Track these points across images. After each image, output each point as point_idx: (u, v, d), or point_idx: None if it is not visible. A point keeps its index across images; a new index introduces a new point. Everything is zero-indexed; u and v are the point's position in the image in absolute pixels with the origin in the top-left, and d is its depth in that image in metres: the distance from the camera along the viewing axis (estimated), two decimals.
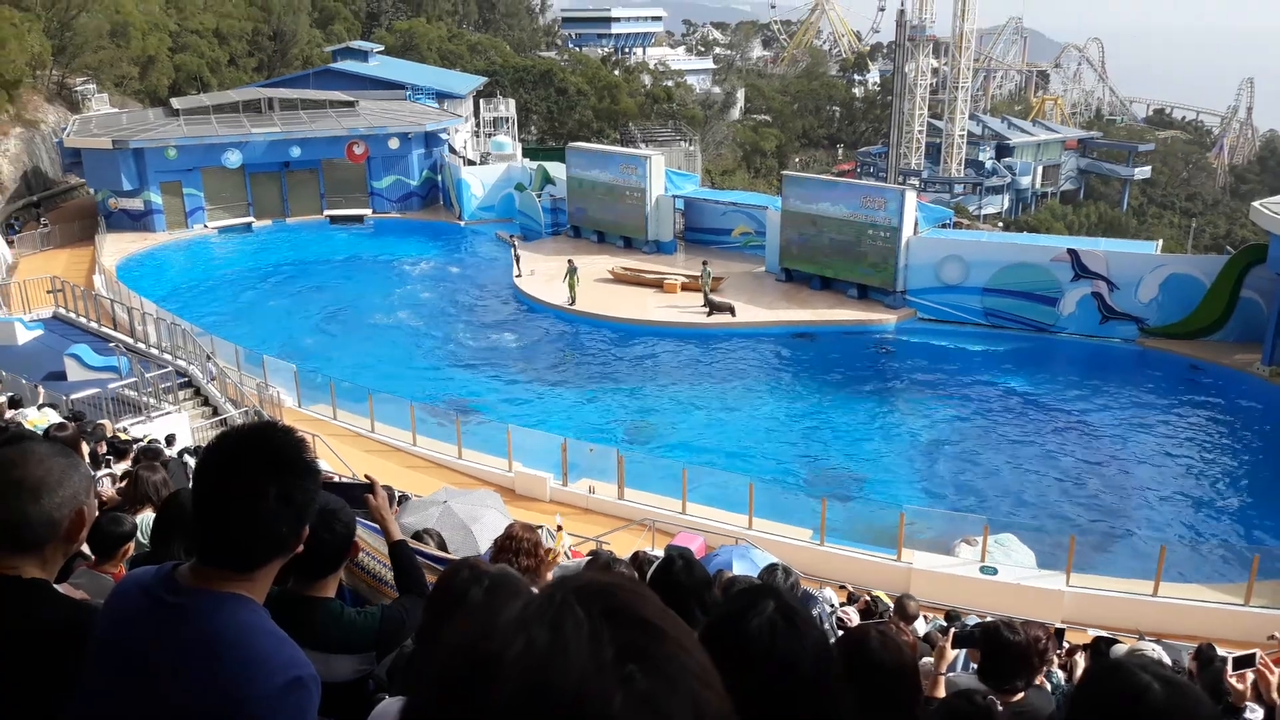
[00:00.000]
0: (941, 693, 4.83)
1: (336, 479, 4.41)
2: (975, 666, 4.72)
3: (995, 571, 15.27)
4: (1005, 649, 4.39)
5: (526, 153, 49.70)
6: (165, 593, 1.98)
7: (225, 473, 2.02)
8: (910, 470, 22.33)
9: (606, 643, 0.81)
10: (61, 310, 27.49)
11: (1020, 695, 4.44)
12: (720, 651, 1.86)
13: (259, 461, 2.02)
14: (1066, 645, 8.49)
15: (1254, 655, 4.72)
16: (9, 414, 12.65)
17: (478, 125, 56.64)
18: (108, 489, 8.92)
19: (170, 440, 15.65)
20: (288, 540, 2.06)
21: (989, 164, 79.25)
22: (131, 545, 4.92)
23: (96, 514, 2.80)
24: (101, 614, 2.12)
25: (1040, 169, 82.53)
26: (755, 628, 1.85)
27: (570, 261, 31.81)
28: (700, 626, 2.02)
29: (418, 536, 5.00)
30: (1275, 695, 4.32)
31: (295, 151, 42.03)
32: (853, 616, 8.37)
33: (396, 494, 11.33)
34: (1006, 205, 79.67)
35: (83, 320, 26.93)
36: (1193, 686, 1.80)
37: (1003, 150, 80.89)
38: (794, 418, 24.84)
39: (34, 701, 2.12)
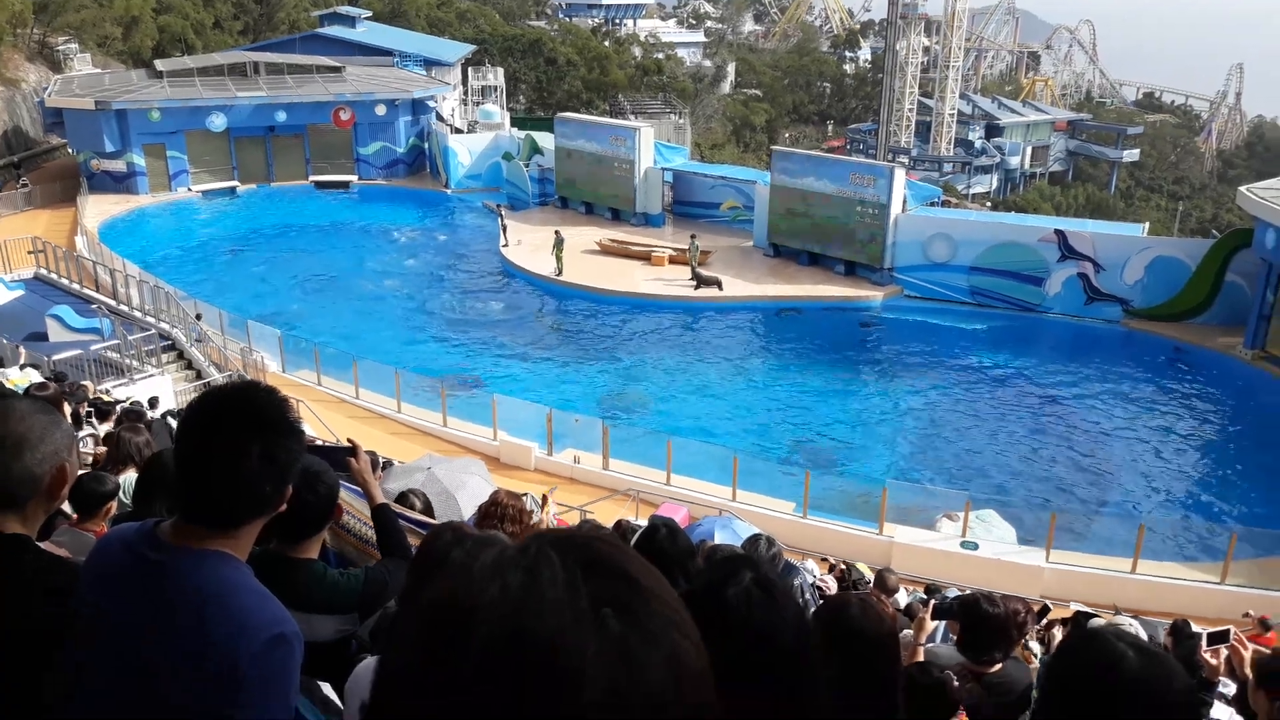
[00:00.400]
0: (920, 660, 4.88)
1: (319, 443, 4.40)
2: (955, 638, 4.77)
3: (976, 546, 15.41)
4: (984, 621, 4.44)
5: (515, 122, 49.37)
6: (147, 549, 1.97)
7: (208, 431, 2.01)
8: (893, 445, 22.47)
9: (583, 591, 0.81)
10: (43, 271, 27.27)
11: (998, 666, 4.50)
12: (698, 620, 1.86)
13: (242, 420, 2.00)
14: (1045, 621, 8.59)
15: (1228, 631, 4.78)
16: None
17: (466, 93, 56.16)
18: (90, 449, 8.88)
19: (154, 403, 15.58)
20: (271, 499, 2.05)
21: (978, 143, 79.21)
22: (114, 504, 4.91)
23: (79, 472, 2.78)
24: (84, 570, 2.11)
25: (1029, 149, 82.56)
26: (732, 597, 1.85)
27: (557, 233, 31.69)
28: (679, 595, 2.02)
29: (403, 497, 5.00)
30: (1248, 670, 4.39)
31: (281, 116, 41.63)
32: (831, 585, 8.44)
33: (380, 460, 11.32)
34: (995, 185, 79.75)
35: (64, 281, 26.73)
36: (1168, 656, 1.83)
37: (992, 130, 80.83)
38: (779, 392, 24.92)
39: (18, 657, 2.11)
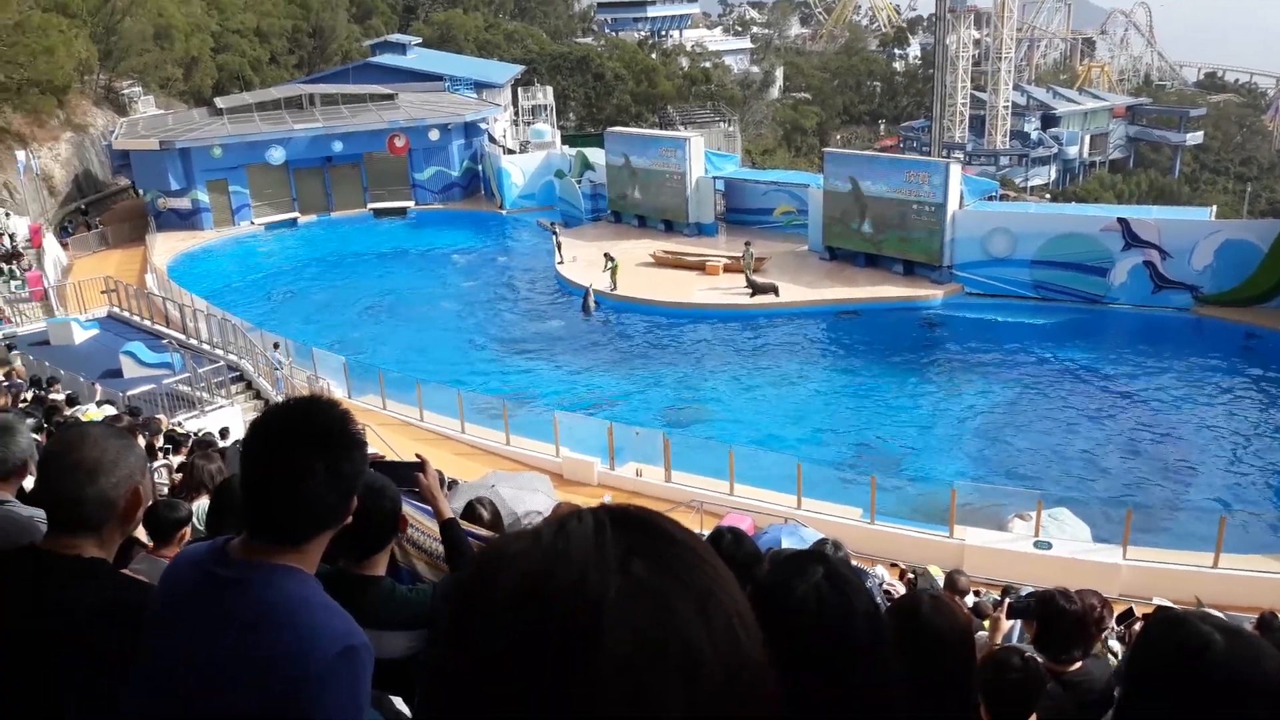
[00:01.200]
0: None
1: (388, 459, 4.44)
2: (1029, 638, 4.65)
3: (1050, 546, 15.06)
4: (1061, 617, 4.31)
5: (565, 139, 49.73)
6: (217, 567, 2.00)
7: (272, 447, 2.03)
8: (961, 446, 22.09)
9: (610, 540, 0.80)
10: (115, 309, 28.09)
11: (1078, 665, 4.37)
12: (766, 619, 1.82)
13: (305, 435, 2.02)
14: (1128, 618, 8.36)
15: None
16: (68, 411, 12.96)
17: (516, 114, 56.74)
18: (164, 479, 9.12)
19: (224, 433, 15.94)
20: (336, 512, 2.07)
21: (1035, 134, 77.83)
22: (188, 530, 5.01)
23: (152, 497, 2.85)
24: (156, 590, 2.15)
25: (1088, 138, 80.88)
26: (802, 594, 1.81)
27: (606, 255, 31.66)
28: (746, 595, 1.99)
29: (469, 508, 5.02)
30: None
31: (337, 146, 42.41)
32: (899, 589, 8.31)
33: (446, 479, 11.42)
34: (1054, 176, 78.26)
35: (136, 318, 27.50)
36: (1257, 638, 1.75)
37: (1049, 120, 79.38)
38: (841, 396, 24.67)
39: (94, 679, 2.16)
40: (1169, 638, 1.79)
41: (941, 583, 9.17)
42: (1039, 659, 3.79)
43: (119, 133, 42.24)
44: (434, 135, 43.44)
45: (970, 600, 8.73)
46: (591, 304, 30.76)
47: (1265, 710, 1.68)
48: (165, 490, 8.56)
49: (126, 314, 27.81)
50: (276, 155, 41.29)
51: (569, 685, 0.73)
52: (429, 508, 3.79)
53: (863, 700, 1.78)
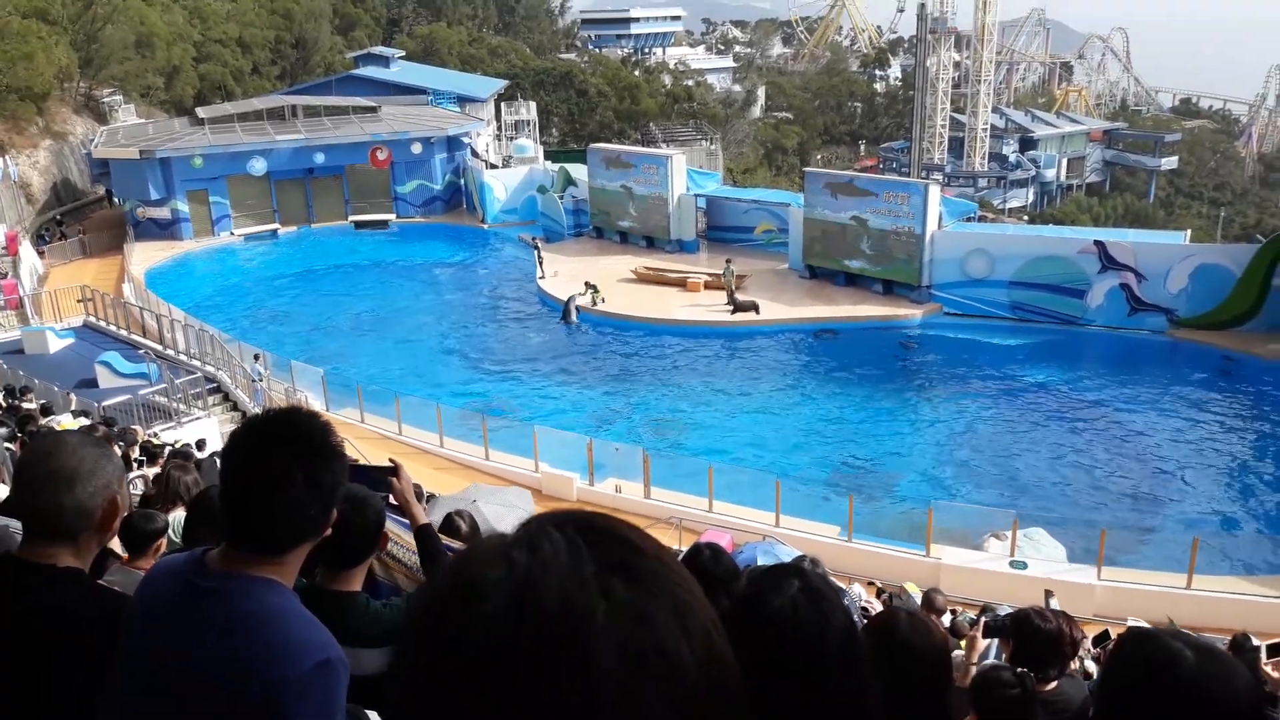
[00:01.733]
0: None
1: (361, 463, 4.40)
2: (1005, 656, 4.68)
3: (1025, 566, 15.14)
4: (1037, 636, 4.35)
5: (548, 155, 49.79)
6: (195, 577, 1.99)
7: (252, 458, 2.03)
8: (938, 465, 22.19)
9: (586, 559, 0.81)
10: (92, 319, 27.86)
11: (1053, 685, 4.39)
12: (742, 632, 1.83)
13: (285, 446, 2.02)
14: (1104, 640, 8.40)
15: None
16: (42, 421, 12.83)
17: (499, 128, 56.79)
18: (140, 490, 9.02)
19: (201, 445, 15.79)
20: (316, 523, 2.06)
21: (1013, 157, 78.59)
22: (164, 542, 4.97)
23: (129, 507, 2.83)
24: (133, 600, 2.14)
25: (1065, 161, 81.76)
26: (778, 607, 1.82)
27: (588, 284, 31.64)
28: (722, 609, 1.99)
29: (448, 520, 5.00)
30: None
31: (319, 158, 42.30)
32: (877, 607, 8.33)
33: (425, 493, 11.37)
34: (1031, 198, 79.03)
35: (113, 328, 27.28)
36: (1228, 655, 1.77)
37: (1027, 143, 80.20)
38: (820, 415, 24.75)
39: (70, 689, 2.14)
40: (1138, 653, 1.81)
41: (919, 601, 9.20)
42: (1025, 682, 3.80)
43: (99, 141, 41.98)
44: (416, 148, 43.41)
45: (947, 619, 8.76)
46: (573, 312, 30.79)
47: None
48: (139, 501, 8.48)
49: (103, 323, 27.59)
50: (258, 166, 41.13)
51: (563, 709, 0.74)
52: (407, 521, 3.77)
53: (837, 712, 1.79)
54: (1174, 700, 1.70)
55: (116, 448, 8.47)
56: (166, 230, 40.42)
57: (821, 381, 26.75)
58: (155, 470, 10.05)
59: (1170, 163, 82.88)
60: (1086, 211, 72.77)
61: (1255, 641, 6.44)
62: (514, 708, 0.74)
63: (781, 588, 1.84)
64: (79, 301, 28.40)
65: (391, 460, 3.88)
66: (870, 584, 13.33)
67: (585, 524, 0.86)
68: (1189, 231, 33.42)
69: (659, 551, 0.86)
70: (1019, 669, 3.70)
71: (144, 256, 37.70)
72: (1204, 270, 27.08)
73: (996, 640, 5.24)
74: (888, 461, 22.38)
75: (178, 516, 5.84)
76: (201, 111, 45.44)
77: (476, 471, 20.06)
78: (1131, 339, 27.67)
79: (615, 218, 38.18)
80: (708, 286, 32.00)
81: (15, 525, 2.66)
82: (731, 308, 29.95)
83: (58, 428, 10.76)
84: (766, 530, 16.45)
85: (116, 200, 43.36)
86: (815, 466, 21.97)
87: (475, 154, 46.47)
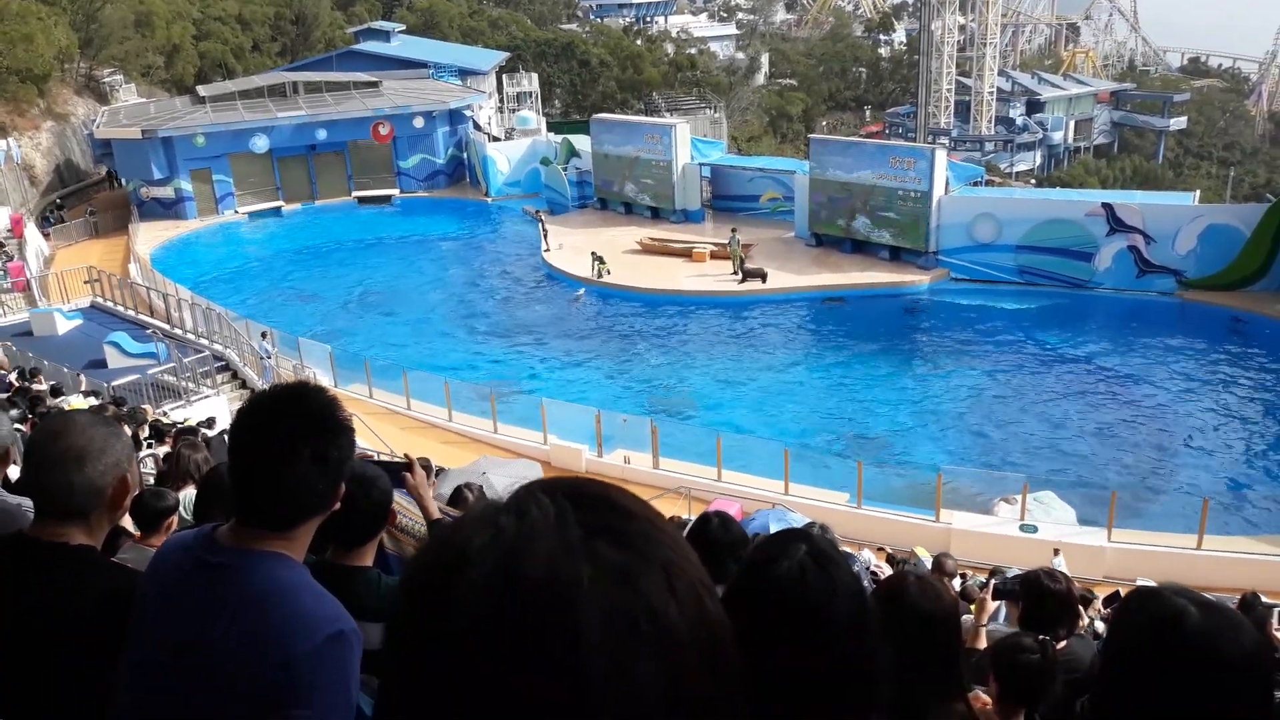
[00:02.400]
0: (983, 644, 4.81)
1: (375, 457, 4.42)
2: (1016, 619, 4.70)
3: (1035, 529, 15.18)
4: (1047, 597, 4.36)
5: (551, 126, 49.56)
6: (206, 553, 2.01)
7: (260, 433, 2.03)
8: (948, 430, 22.21)
9: (573, 523, 0.80)
10: (99, 299, 27.93)
11: (1063, 644, 4.41)
12: (750, 597, 1.84)
13: (293, 420, 2.03)
14: (1115, 602, 8.43)
15: None
16: (51, 402, 12.89)
17: (501, 101, 56.52)
18: (150, 469, 9.08)
19: (210, 423, 15.87)
20: (325, 498, 2.07)
21: (1020, 120, 77.91)
22: (175, 519, 5.01)
23: (139, 484, 2.85)
24: (145, 576, 2.15)
25: (1072, 124, 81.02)
26: (785, 570, 1.82)
27: (593, 254, 31.59)
28: (731, 575, 2.00)
29: (458, 492, 5.02)
30: None
31: (321, 134, 42.16)
32: (886, 572, 8.37)
33: (434, 467, 11.43)
34: (1039, 162, 78.37)
35: (120, 308, 27.35)
36: (1233, 611, 1.76)
37: (1033, 106, 79.45)
38: (828, 382, 24.75)
39: (84, 666, 2.16)
40: (1143, 610, 1.81)
41: (929, 565, 9.24)
42: (1047, 645, 3.81)
43: (100, 121, 41.88)
44: (419, 123, 43.22)
45: (957, 583, 8.80)
46: (583, 290, 30.81)
47: (1243, 684, 1.69)
48: (151, 480, 8.54)
49: (110, 304, 27.65)
50: (260, 143, 41.02)
51: (552, 676, 0.74)
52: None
53: (845, 677, 1.79)
54: (1179, 656, 1.69)
55: (126, 427, 8.52)
56: (170, 210, 40.40)
57: (830, 349, 26.73)
58: (165, 449, 10.11)
59: (1179, 123, 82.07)
60: (1094, 174, 72.15)
61: (1265, 600, 6.46)
62: (501, 673, 0.74)
63: (789, 552, 1.84)
64: (86, 283, 28.46)
65: (405, 456, 3.91)
66: (880, 549, 13.39)
67: (574, 490, 0.85)
68: (1198, 192, 33.17)
69: (648, 515, 0.86)
70: (1039, 636, 3.71)
71: (149, 236, 37.72)
72: (1213, 231, 26.91)
73: (1005, 603, 5.26)
74: (897, 428, 22.40)
75: (188, 494, 5.89)
76: (203, 90, 45.27)
77: (485, 445, 20.13)
78: (1140, 301, 27.56)
79: (619, 188, 38.03)
80: (714, 256, 31.91)
81: (27, 504, 2.68)
82: (740, 276, 29.88)
83: (67, 408, 10.81)
84: (776, 498, 16.50)
85: (120, 181, 43.31)
86: (824, 434, 21.99)
87: (478, 127, 46.26)
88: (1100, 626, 6.90)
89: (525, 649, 0.74)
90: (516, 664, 0.74)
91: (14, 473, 4.02)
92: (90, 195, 44.17)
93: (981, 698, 3.34)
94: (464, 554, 0.80)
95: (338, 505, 2.16)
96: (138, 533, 4.91)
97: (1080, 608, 4.76)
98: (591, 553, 0.78)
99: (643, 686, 0.75)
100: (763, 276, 29.68)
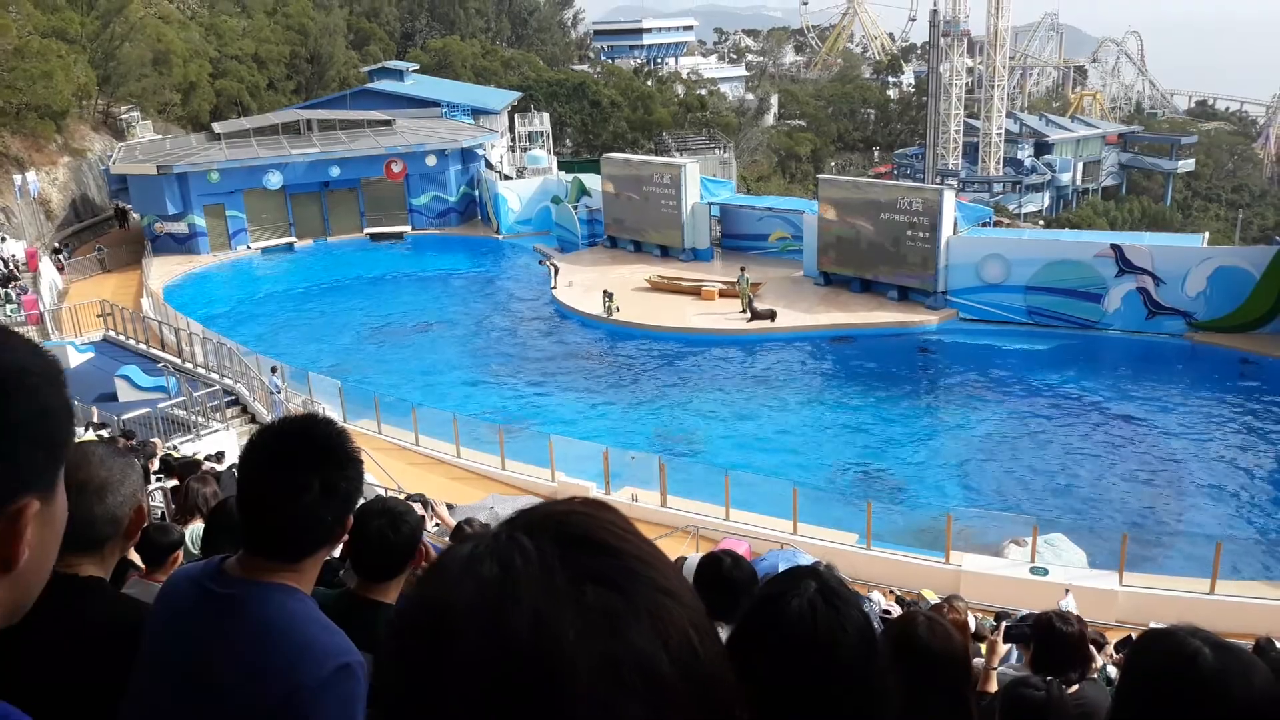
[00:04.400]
0: (994, 687, 4.76)
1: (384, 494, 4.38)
2: (1027, 661, 4.65)
3: (1046, 572, 15.03)
4: (1059, 640, 4.32)
5: (562, 165, 49.95)
6: (213, 584, 2.01)
7: (268, 465, 2.04)
8: (956, 472, 22.08)
9: (558, 569, 0.78)
10: (111, 333, 28.08)
11: (1075, 688, 4.36)
12: (761, 633, 1.84)
13: (301, 452, 2.04)
14: (1127, 645, 8.33)
15: None
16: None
17: (513, 140, 57.04)
18: (159, 503, 9.09)
19: (219, 457, 15.87)
20: (333, 530, 2.08)
21: (1028, 162, 78.30)
22: (181, 554, 5.00)
23: (149, 517, 2.86)
24: (153, 608, 2.15)
25: (1080, 165, 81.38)
26: (795, 608, 1.82)
27: (605, 293, 31.70)
28: (740, 612, 1.99)
29: (458, 529, 5.01)
30: None
31: (334, 171, 42.57)
32: (896, 611, 8.29)
33: (432, 501, 11.40)
34: (1047, 203, 78.66)
35: (132, 342, 27.48)
36: (1247, 652, 1.76)
37: (1041, 148, 79.88)
38: (837, 422, 24.67)
39: (93, 697, 2.16)
40: (1157, 650, 1.80)
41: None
42: (1053, 690, 3.78)
43: (117, 157, 42.38)
44: (431, 161, 43.62)
45: (972, 621, 8.71)
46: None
47: None
48: (160, 514, 8.53)
49: (122, 338, 27.79)
50: (274, 180, 41.41)
51: None
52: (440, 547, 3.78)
53: (855, 713, 1.78)
54: (1193, 697, 1.69)
55: (135, 459, 8.54)
56: (184, 244, 40.73)
57: (838, 389, 26.68)
58: (174, 483, 10.11)
59: (1187, 165, 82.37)
60: (1103, 215, 72.40)
61: (1278, 644, 6.39)
62: None
63: (799, 589, 1.84)
64: (98, 316, 28.64)
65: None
66: (890, 592, 13.27)
67: (559, 530, 0.82)
68: (1206, 234, 33.21)
69: (637, 551, 0.83)
70: (1047, 677, 3.67)
71: (162, 271, 37.99)
72: (1222, 273, 26.89)
73: (1016, 647, 5.22)
74: (906, 469, 22.27)
75: (196, 529, 5.87)
76: (218, 127, 45.83)
77: (493, 481, 20.10)
78: (1150, 342, 27.48)
79: (629, 227, 38.25)
80: (722, 294, 31.98)
81: None
82: (748, 315, 29.92)
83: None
84: (784, 538, 16.40)
85: (124, 221, 43.72)
86: (833, 474, 21.89)
87: (489, 165, 46.67)
88: (1112, 670, 6.81)
89: (513, 706, 0.73)
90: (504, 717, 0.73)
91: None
92: (103, 230, 44.56)
93: None
94: (446, 615, 0.78)
95: (345, 537, 2.16)
96: (144, 567, 4.90)
97: (1093, 650, 4.70)
98: (578, 601, 0.76)
99: None
100: (771, 316, 29.71)
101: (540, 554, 0.79)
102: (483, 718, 0.74)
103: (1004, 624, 5.29)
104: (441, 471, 20.86)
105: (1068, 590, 13.24)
